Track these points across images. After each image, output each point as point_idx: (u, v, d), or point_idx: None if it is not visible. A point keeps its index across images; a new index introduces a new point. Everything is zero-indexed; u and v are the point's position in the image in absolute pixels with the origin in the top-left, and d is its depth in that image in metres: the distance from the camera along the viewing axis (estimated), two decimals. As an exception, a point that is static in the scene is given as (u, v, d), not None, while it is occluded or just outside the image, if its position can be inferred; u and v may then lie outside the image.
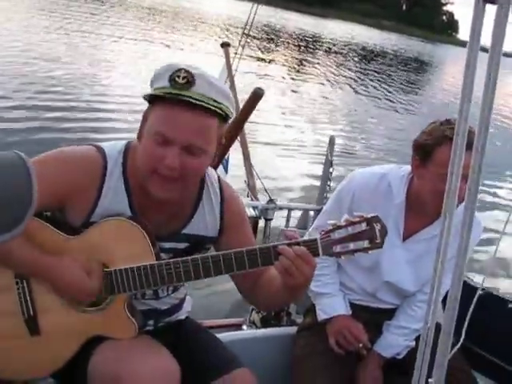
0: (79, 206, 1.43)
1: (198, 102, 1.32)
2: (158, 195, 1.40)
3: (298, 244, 1.38)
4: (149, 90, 1.39)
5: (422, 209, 1.88)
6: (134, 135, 1.46)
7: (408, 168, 1.91)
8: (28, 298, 1.44)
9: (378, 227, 1.39)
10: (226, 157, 2.88)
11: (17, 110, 7.40)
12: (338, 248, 1.39)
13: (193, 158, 1.36)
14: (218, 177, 1.61)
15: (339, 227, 1.39)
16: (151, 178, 1.38)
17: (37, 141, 6.23)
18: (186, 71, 1.33)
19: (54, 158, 1.44)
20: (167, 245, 1.53)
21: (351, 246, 1.39)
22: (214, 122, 1.38)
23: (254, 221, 2.53)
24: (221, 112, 1.37)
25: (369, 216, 1.40)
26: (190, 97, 1.31)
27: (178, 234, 1.54)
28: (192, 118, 1.33)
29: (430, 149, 1.77)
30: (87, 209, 1.43)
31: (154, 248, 1.44)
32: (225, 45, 3.29)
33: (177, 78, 1.32)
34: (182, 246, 1.56)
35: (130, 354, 1.42)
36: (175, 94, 1.31)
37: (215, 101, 1.35)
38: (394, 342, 1.96)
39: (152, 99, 1.38)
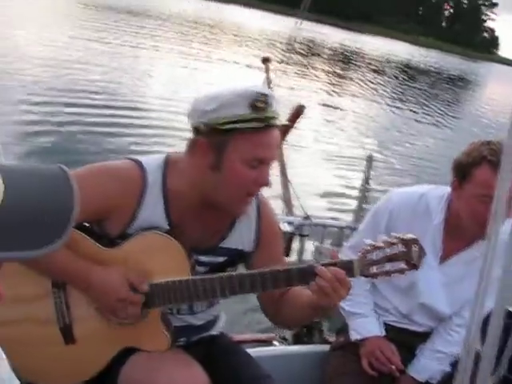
0: (118, 219, 1.46)
1: (278, 122, 1.41)
2: (242, 213, 1.51)
3: (334, 264, 1.39)
4: (202, 119, 1.39)
5: (461, 231, 1.85)
6: (170, 148, 1.49)
7: (447, 189, 1.88)
8: (64, 307, 1.46)
9: (415, 249, 1.38)
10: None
11: (54, 118, 7.56)
12: (374, 269, 1.39)
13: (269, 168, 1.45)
14: None
15: (376, 248, 1.39)
16: (244, 200, 1.45)
17: (76, 151, 6.36)
18: (264, 95, 1.38)
19: (94, 173, 1.47)
20: (204, 258, 1.54)
21: (387, 267, 1.38)
22: None
23: (289, 236, 2.52)
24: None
25: (406, 237, 1.39)
26: (273, 118, 1.40)
27: (215, 248, 1.56)
28: (275, 135, 1.43)
29: (467, 169, 1.75)
30: (125, 222, 1.45)
31: (189, 262, 1.45)
32: (265, 60, 3.31)
33: (258, 104, 1.36)
34: (220, 259, 1.57)
35: (163, 366, 1.44)
36: (263, 119, 1.37)
37: (278, 113, 1.44)
38: (428, 365, 1.92)
39: (225, 126, 1.38)
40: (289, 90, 12.40)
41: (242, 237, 1.58)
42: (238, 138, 1.38)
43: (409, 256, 1.38)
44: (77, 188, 0.66)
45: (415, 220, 1.85)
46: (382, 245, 1.39)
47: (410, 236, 1.39)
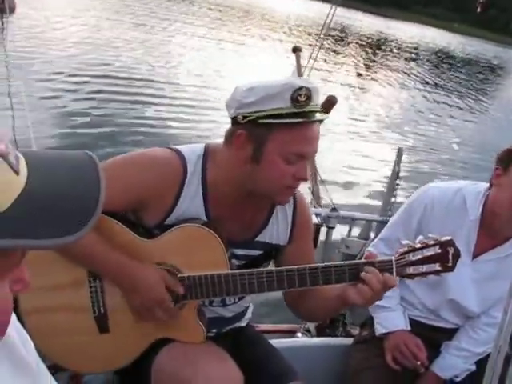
0: (156, 209, 1.44)
1: (320, 117, 1.37)
2: (284, 203, 1.51)
3: (373, 264, 1.39)
4: (242, 110, 1.36)
5: (495, 227, 1.83)
6: (203, 139, 1.48)
7: (484, 185, 1.86)
8: (100, 296, 1.47)
9: (451, 251, 1.40)
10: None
11: (86, 109, 7.60)
12: (410, 270, 1.41)
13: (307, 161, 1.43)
14: None
15: (414, 249, 1.40)
16: (283, 193, 1.44)
17: (108, 143, 6.38)
18: (306, 88, 1.34)
19: (134, 161, 1.46)
20: (240, 251, 1.54)
21: (423, 268, 1.40)
22: None
23: (316, 228, 2.51)
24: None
25: (443, 239, 1.40)
26: (314, 112, 1.36)
27: (251, 241, 1.55)
28: (316, 129, 1.39)
29: None
30: (164, 212, 1.44)
31: (227, 255, 1.45)
32: (296, 50, 3.22)
33: (299, 97, 1.32)
34: (255, 253, 1.57)
35: (198, 358, 1.45)
36: (305, 114, 1.34)
37: (319, 105, 1.40)
38: (453, 363, 1.91)
39: (266, 120, 1.35)
40: (320, 79, 12.31)
41: (277, 230, 1.57)
42: (278, 133, 1.35)
43: (445, 258, 1.40)
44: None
45: (450, 215, 1.83)
46: (418, 246, 1.40)
47: (446, 238, 1.41)
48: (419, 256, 1.39)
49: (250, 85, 1.37)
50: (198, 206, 1.47)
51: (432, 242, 1.40)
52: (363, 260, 1.42)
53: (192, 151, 1.48)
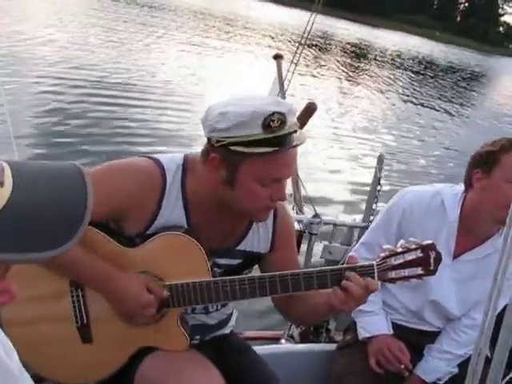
0: (137, 219, 1.44)
1: (296, 142, 1.34)
2: (264, 220, 1.50)
3: (354, 269, 1.39)
4: (216, 134, 1.34)
5: (475, 228, 1.86)
6: (185, 148, 1.47)
7: (460, 187, 1.88)
8: (82, 306, 1.46)
9: (432, 255, 1.41)
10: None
11: (69, 120, 7.52)
12: (392, 274, 1.41)
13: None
14: None
15: (396, 253, 1.41)
16: (261, 212, 1.44)
17: (90, 152, 6.31)
18: (278, 113, 1.29)
19: (114, 170, 1.45)
20: (222, 261, 1.54)
21: (405, 272, 1.41)
22: None
23: (299, 234, 2.51)
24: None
25: (424, 243, 1.41)
26: (288, 134, 1.31)
27: (232, 250, 1.55)
28: (293, 152, 1.37)
29: (495, 155, 1.76)
30: (145, 221, 1.44)
31: (209, 263, 1.45)
32: (277, 57, 3.21)
33: (271, 123, 1.29)
34: (235, 262, 1.57)
35: (183, 367, 1.45)
36: (278, 140, 1.30)
37: (296, 124, 1.37)
38: (436, 366, 1.92)
39: (238, 147, 1.32)
40: (301, 85, 12.36)
41: (258, 239, 1.57)
42: (251, 160, 1.33)
43: (426, 262, 1.40)
44: (91, 187, 0.64)
45: (428, 218, 1.85)
46: (400, 250, 1.41)
47: (427, 242, 1.42)
48: (401, 260, 1.40)
49: (222, 108, 1.33)
50: (179, 215, 1.46)
51: (413, 246, 1.41)
52: (345, 265, 1.42)
53: (171, 160, 1.48)
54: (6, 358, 0.83)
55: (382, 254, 1.42)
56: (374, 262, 1.41)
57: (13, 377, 0.84)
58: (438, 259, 1.41)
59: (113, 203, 1.40)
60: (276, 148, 1.30)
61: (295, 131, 1.34)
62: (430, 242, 1.42)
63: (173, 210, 1.45)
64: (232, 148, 1.32)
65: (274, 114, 1.29)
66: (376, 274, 1.40)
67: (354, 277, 1.37)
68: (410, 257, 1.40)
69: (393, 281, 1.42)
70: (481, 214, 1.82)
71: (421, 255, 1.40)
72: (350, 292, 1.36)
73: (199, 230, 1.46)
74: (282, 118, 1.29)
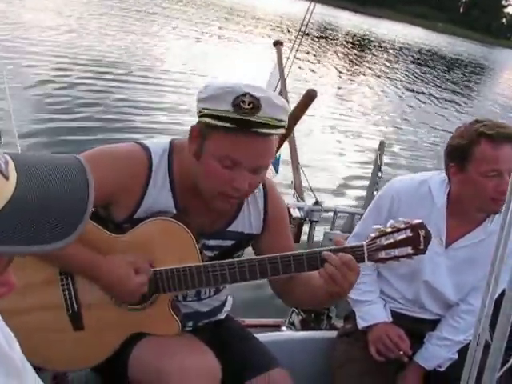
0: (124, 204, 1.44)
1: (265, 131, 1.30)
2: (221, 209, 1.45)
3: (344, 250, 1.38)
4: (198, 105, 1.36)
5: (465, 215, 1.85)
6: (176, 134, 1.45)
7: None
8: (72, 294, 1.46)
9: (422, 233, 1.40)
10: (277, 156, 2.86)
11: (66, 108, 7.52)
12: (382, 254, 1.40)
13: (258, 175, 1.39)
14: None
15: (385, 233, 1.40)
16: (217, 198, 1.40)
17: (84, 140, 6.28)
18: (251, 96, 1.27)
19: (99, 156, 1.44)
20: (212, 242, 1.54)
21: (395, 252, 1.40)
22: (277, 138, 1.38)
23: (299, 222, 2.51)
24: (283, 129, 1.37)
25: (414, 222, 1.40)
26: (259, 123, 1.29)
27: (222, 231, 1.55)
28: (261, 142, 1.33)
29: (466, 150, 1.74)
30: (132, 206, 1.44)
31: (198, 247, 1.45)
32: (277, 43, 3.20)
33: (242, 104, 1.27)
34: (228, 243, 1.56)
35: (175, 350, 1.45)
36: (243, 121, 1.28)
37: (279, 120, 1.32)
38: (435, 353, 1.92)
39: (210, 118, 1.33)
40: (302, 73, 12.33)
41: (249, 220, 1.57)
42: (216, 133, 1.32)
43: (416, 241, 1.39)
44: (92, 180, 0.65)
45: (417, 205, 1.84)
46: (389, 230, 1.40)
47: (416, 221, 1.41)
48: (391, 240, 1.39)
49: (210, 81, 1.36)
50: (167, 198, 1.46)
51: (403, 226, 1.40)
52: (334, 246, 1.40)
53: (157, 145, 1.48)
54: (7, 348, 0.84)
55: (372, 235, 1.41)
56: (364, 243, 1.40)
57: (15, 367, 0.84)
58: (428, 238, 1.40)
59: (101, 189, 1.39)
60: (236, 126, 1.28)
61: (273, 126, 1.31)
62: (419, 221, 1.41)
63: (160, 193, 1.45)
64: (204, 119, 1.33)
65: (246, 94, 1.28)
66: (366, 255, 1.39)
67: (328, 254, 1.36)
68: (399, 236, 1.39)
69: (383, 261, 1.41)
70: (464, 204, 1.82)
71: (410, 234, 1.39)
72: (331, 269, 1.35)
73: (187, 213, 1.46)
74: (254, 102, 1.27)
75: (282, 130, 1.36)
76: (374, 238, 1.40)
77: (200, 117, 1.35)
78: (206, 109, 1.32)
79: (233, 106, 1.27)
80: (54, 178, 0.63)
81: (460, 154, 1.76)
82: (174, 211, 1.47)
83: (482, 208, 1.79)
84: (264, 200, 1.57)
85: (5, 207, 0.57)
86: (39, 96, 7.67)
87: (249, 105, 1.27)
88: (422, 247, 1.40)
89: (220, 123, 1.29)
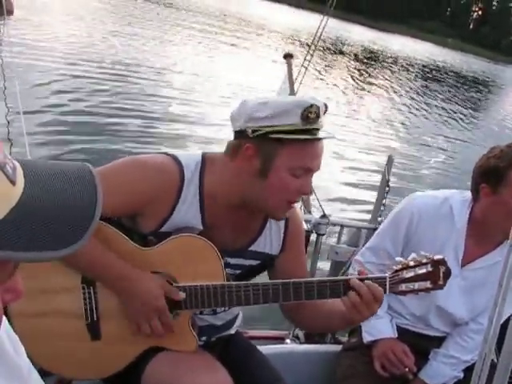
0: (152, 216, 1.43)
1: (325, 134, 1.40)
2: (281, 218, 1.51)
3: (368, 280, 1.41)
4: (256, 124, 1.37)
5: (484, 236, 1.84)
6: (200, 145, 1.45)
7: (470, 194, 1.86)
8: (93, 303, 1.45)
9: (442, 269, 1.44)
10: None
11: (82, 116, 7.56)
12: (403, 287, 1.44)
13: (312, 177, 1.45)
14: None
15: (408, 267, 1.43)
16: (283, 208, 1.44)
17: (98, 150, 6.33)
18: (316, 106, 1.36)
19: (132, 166, 1.44)
20: (233, 261, 1.53)
21: (415, 285, 1.44)
22: None
23: (306, 234, 2.50)
24: None
25: (436, 258, 1.44)
26: (320, 128, 1.39)
27: (244, 250, 1.55)
28: (322, 145, 1.42)
29: (502, 172, 1.73)
30: (160, 219, 1.43)
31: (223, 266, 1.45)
32: (288, 56, 3.19)
33: (310, 115, 1.35)
34: (248, 262, 1.56)
35: (189, 366, 1.44)
36: (313, 131, 1.37)
37: (324, 122, 1.42)
38: (441, 370, 1.91)
39: (276, 135, 1.36)
40: (312, 87, 12.37)
41: (270, 240, 1.57)
42: (287, 148, 1.36)
43: (436, 276, 1.44)
44: (100, 188, 0.64)
45: (437, 224, 1.83)
46: (412, 264, 1.44)
47: (438, 257, 1.44)
48: (412, 274, 1.43)
49: (262, 99, 1.38)
50: (194, 214, 1.46)
51: (424, 261, 1.43)
52: (359, 276, 1.42)
53: (189, 158, 1.47)
54: (14, 355, 0.83)
55: (395, 267, 1.44)
56: (387, 275, 1.43)
57: (20, 375, 0.83)
58: (448, 274, 1.44)
59: (130, 200, 1.40)
60: (312, 137, 1.36)
61: (323, 128, 1.40)
62: (440, 256, 1.45)
63: (188, 209, 1.45)
64: (270, 136, 1.36)
65: (312, 105, 1.35)
66: (388, 286, 1.42)
67: (357, 283, 1.39)
68: (420, 271, 1.43)
69: (403, 293, 1.44)
70: (489, 225, 1.80)
71: (431, 269, 1.43)
72: (356, 298, 1.37)
73: (213, 230, 1.46)
74: (317, 111, 1.36)
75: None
76: (397, 270, 1.43)
77: (262, 135, 1.35)
78: (272, 126, 1.35)
79: (302, 118, 1.34)
80: (63, 185, 0.63)
81: (495, 175, 1.74)
82: (201, 227, 1.46)
83: (507, 231, 1.77)
84: (285, 221, 1.57)
85: (11, 212, 0.57)
86: (48, 99, 7.73)
87: (314, 114, 1.36)
88: (441, 283, 1.44)
89: (292, 137, 1.35)
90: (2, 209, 0.57)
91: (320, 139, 1.39)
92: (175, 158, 1.45)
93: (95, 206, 0.63)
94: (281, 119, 1.34)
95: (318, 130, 1.38)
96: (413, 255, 1.45)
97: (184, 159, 1.46)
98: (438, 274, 1.43)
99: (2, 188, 0.57)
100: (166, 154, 1.48)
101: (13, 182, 0.59)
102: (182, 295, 1.42)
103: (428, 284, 1.43)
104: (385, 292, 1.41)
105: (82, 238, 0.60)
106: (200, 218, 1.46)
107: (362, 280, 1.40)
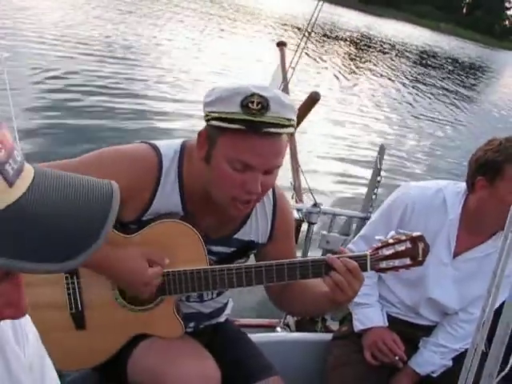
0: (132, 206, 1.42)
1: (275, 130, 1.27)
2: (236, 215, 1.43)
3: (349, 258, 1.41)
4: (205, 109, 1.33)
5: (477, 227, 1.84)
6: (187, 134, 1.45)
7: (464, 185, 1.86)
8: (76, 293, 1.45)
9: (421, 246, 1.45)
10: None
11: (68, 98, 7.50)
12: (384, 264, 1.45)
13: (270, 176, 1.35)
14: None
15: (387, 244, 1.45)
16: (231, 204, 1.36)
17: (91, 138, 6.23)
18: (260, 96, 1.25)
19: (110, 156, 1.42)
20: (216, 248, 1.52)
21: (395, 262, 1.45)
22: (286, 137, 1.35)
23: (297, 223, 2.50)
24: (293, 128, 1.34)
25: (414, 235, 1.46)
26: (269, 123, 1.26)
27: (229, 238, 1.54)
28: (271, 143, 1.30)
29: (500, 166, 1.72)
30: (140, 209, 1.42)
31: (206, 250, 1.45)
32: (281, 44, 3.18)
33: (250, 105, 1.24)
34: (230, 250, 1.55)
35: (175, 354, 1.44)
36: (253, 122, 1.25)
37: (288, 119, 1.30)
38: (430, 359, 1.93)
39: (216, 122, 1.30)
40: (305, 75, 12.30)
41: (257, 228, 1.56)
42: (225, 137, 1.29)
43: (415, 253, 1.45)
44: (117, 206, 0.62)
45: (430, 215, 1.84)
46: (391, 241, 1.45)
47: (416, 234, 1.46)
48: (391, 251, 1.44)
49: (216, 85, 1.35)
50: (175, 202, 1.45)
51: (403, 238, 1.45)
52: (338, 255, 1.42)
53: (169, 146, 1.46)
54: (13, 344, 0.83)
55: (375, 245, 1.45)
56: (368, 252, 1.44)
57: (18, 365, 0.83)
58: (427, 251, 1.45)
59: None
60: (246, 127, 1.25)
61: (282, 125, 1.28)
62: (419, 233, 1.46)
63: (169, 197, 1.44)
64: (212, 122, 1.30)
65: (254, 95, 1.25)
66: (369, 264, 1.43)
67: (335, 260, 1.39)
68: (400, 248, 1.44)
69: (384, 270, 1.46)
70: (483, 218, 1.80)
71: (410, 246, 1.45)
72: (337, 276, 1.37)
73: (195, 217, 1.45)
74: (262, 102, 1.25)
75: (292, 129, 1.33)
76: (377, 248, 1.44)
77: (207, 120, 1.32)
78: (214, 112, 1.29)
79: (241, 107, 1.25)
80: (73, 198, 0.61)
81: (492, 169, 1.74)
82: (182, 215, 1.45)
83: (501, 224, 1.76)
84: (273, 209, 1.56)
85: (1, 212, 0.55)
86: (39, 87, 7.64)
87: (257, 105, 1.25)
88: (420, 259, 1.45)
89: (229, 125, 1.27)
90: None
91: (263, 133, 1.26)
92: (154, 147, 1.44)
93: (102, 228, 0.59)
94: (221, 106, 1.28)
95: (266, 124, 1.25)
96: (391, 233, 1.47)
97: (163, 148, 1.44)
98: (417, 250, 1.44)
99: None
100: (146, 142, 1.47)
101: (9, 184, 0.57)
102: (166, 260, 1.41)
103: (408, 261, 1.44)
104: (366, 269, 1.42)
105: (80, 255, 0.57)
106: (181, 206, 1.45)
107: (342, 258, 1.40)
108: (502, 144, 1.75)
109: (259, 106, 1.25)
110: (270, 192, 1.53)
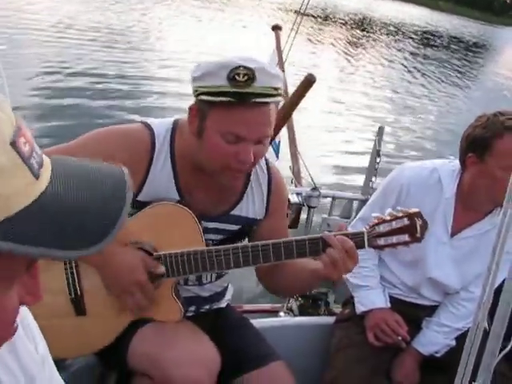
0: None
1: (262, 100, 1.30)
2: (229, 184, 1.45)
3: (346, 236, 1.40)
4: (193, 84, 1.35)
5: (473, 205, 1.84)
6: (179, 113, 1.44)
7: (459, 163, 1.85)
8: (76, 279, 1.46)
9: (419, 222, 1.44)
10: (277, 142, 2.85)
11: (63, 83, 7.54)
12: (381, 241, 1.44)
13: (261, 146, 1.37)
14: (265, 158, 1.59)
15: (384, 221, 1.44)
16: (224, 173, 1.39)
17: (84, 121, 6.29)
18: (245, 68, 1.28)
19: (103, 136, 1.44)
20: (214, 225, 1.52)
21: (393, 239, 1.44)
22: (274, 106, 1.37)
23: (297, 208, 2.50)
24: (280, 96, 1.37)
25: (411, 211, 1.45)
26: (257, 94, 1.29)
27: (226, 215, 1.54)
28: (260, 113, 1.32)
29: (488, 142, 1.71)
30: (135, 187, 1.42)
31: (202, 232, 1.45)
32: (276, 28, 3.17)
33: (237, 77, 1.27)
34: (230, 227, 1.56)
35: (173, 339, 1.45)
36: (240, 94, 1.28)
37: (275, 88, 1.32)
38: (433, 339, 1.93)
39: (207, 96, 1.33)
40: (300, 57, 12.23)
41: (253, 204, 1.56)
42: (215, 110, 1.32)
43: (413, 229, 1.44)
44: (131, 194, 0.63)
45: (427, 194, 1.84)
46: (388, 218, 1.44)
47: (413, 210, 1.45)
48: (389, 228, 1.43)
49: (203, 60, 1.36)
50: (169, 181, 1.46)
51: (401, 214, 1.44)
52: (335, 232, 1.42)
53: (161, 125, 1.47)
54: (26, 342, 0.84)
55: (371, 222, 1.44)
56: (364, 229, 1.43)
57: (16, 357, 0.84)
58: (425, 227, 1.44)
59: None
60: (234, 100, 1.28)
61: (270, 95, 1.31)
62: (416, 210, 1.45)
63: (162, 175, 1.45)
64: (200, 97, 1.33)
65: (240, 67, 1.28)
66: (366, 241, 1.42)
67: (332, 237, 1.38)
68: (397, 224, 1.43)
69: (382, 247, 1.45)
70: (477, 195, 1.80)
71: (408, 223, 1.44)
72: (333, 253, 1.37)
73: (190, 195, 1.46)
74: (249, 73, 1.28)
75: (280, 98, 1.37)
76: (374, 225, 1.44)
77: (196, 96, 1.35)
78: (202, 87, 1.32)
79: (228, 79, 1.27)
80: (90, 187, 0.61)
81: (481, 145, 1.73)
82: (176, 193, 1.46)
83: (495, 200, 1.77)
84: (268, 185, 1.57)
85: (29, 206, 0.56)
86: (35, 76, 7.64)
87: (244, 77, 1.27)
88: (418, 235, 1.44)
89: (218, 99, 1.29)
90: (19, 202, 0.55)
91: (252, 103, 1.29)
92: (147, 125, 1.46)
93: (119, 215, 0.61)
94: (209, 80, 1.30)
95: (254, 94, 1.29)
96: (389, 210, 1.46)
97: (156, 126, 1.46)
98: (415, 226, 1.43)
99: (23, 181, 0.56)
100: (138, 121, 1.49)
101: (36, 176, 0.57)
102: (162, 269, 1.42)
103: (406, 237, 1.43)
104: (364, 246, 1.42)
105: (102, 241, 0.58)
106: (174, 184, 1.46)
107: (339, 236, 1.40)
108: (489, 119, 1.74)
109: (245, 77, 1.27)
110: (264, 168, 1.56)
